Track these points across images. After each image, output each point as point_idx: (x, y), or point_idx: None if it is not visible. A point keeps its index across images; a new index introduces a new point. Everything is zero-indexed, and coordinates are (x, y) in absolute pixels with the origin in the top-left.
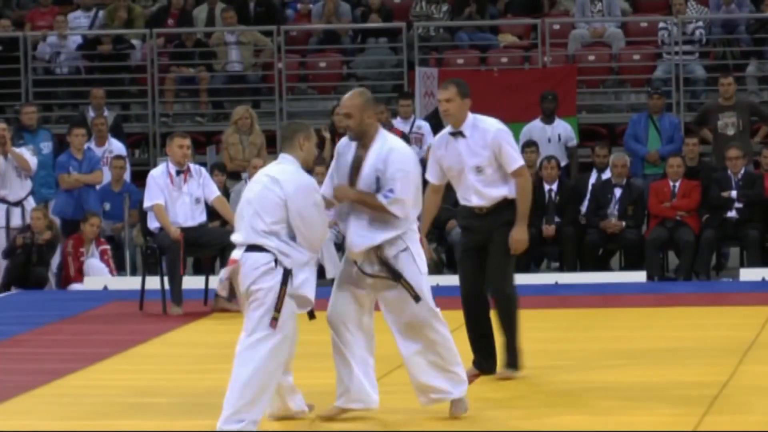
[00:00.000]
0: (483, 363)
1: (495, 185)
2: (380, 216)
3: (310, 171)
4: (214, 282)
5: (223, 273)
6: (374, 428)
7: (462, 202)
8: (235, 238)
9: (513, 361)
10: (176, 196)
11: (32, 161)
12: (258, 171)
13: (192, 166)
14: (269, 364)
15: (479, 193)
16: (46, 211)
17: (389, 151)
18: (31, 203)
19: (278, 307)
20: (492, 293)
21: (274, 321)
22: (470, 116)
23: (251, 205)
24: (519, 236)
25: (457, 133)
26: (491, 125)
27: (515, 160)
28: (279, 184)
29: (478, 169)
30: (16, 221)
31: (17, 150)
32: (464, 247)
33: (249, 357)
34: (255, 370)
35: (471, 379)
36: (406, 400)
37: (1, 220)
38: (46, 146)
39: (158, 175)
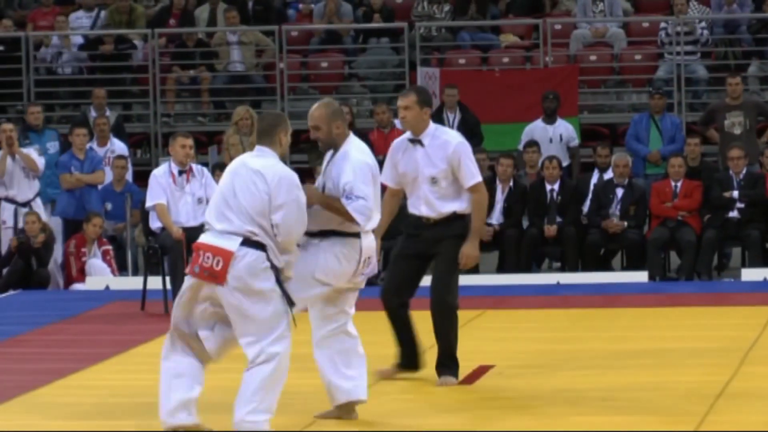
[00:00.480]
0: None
1: (447, 199)
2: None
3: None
4: None
5: (215, 263)
6: (371, 428)
7: (410, 209)
8: (221, 226)
9: (453, 369)
10: (179, 195)
11: (40, 162)
12: (235, 161)
13: (194, 166)
14: (286, 360)
15: (430, 204)
16: (38, 214)
17: (343, 159)
18: (38, 204)
19: (292, 304)
20: (434, 303)
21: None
22: (431, 126)
23: (237, 197)
24: (470, 251)
25: (416, 141)
26: (453, 137)
27: (474, 175)
28: (263, 177)
29: (433, 180)
30: (23, 222)
31: (25, 150)
32: (402, 252)
33: (273, 354)
34: (278, 365)
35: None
36: (406, 400)
37: (10, 221)
38: (53, 146)
39: (160, 174)
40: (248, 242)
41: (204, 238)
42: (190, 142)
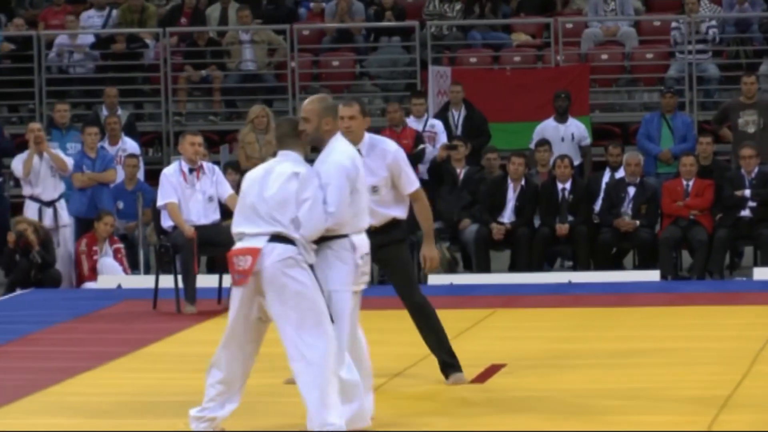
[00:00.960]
0: None
1: (388, 206)
2: None
3: None
4: (228, 280)
5: (244, 263)
6: (383, 428)
7: None
8: (251, 230)
9: (457, 365)
10: (189, 194)
11: (69, 161)
12: (259, 168)
13: (205, 164)
14: (330, 357)
15: (373, 212)
16: (27, 219)
17: (325, 159)
18: (62, 205)
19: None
20: (411, 310)
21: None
22: (366, 136)
23: (265, 200)
24: (432, 254)
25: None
26: (390, 146)
27: (413, 182)
28: (297, 176)
29: (374, 189)
30: (47, 221)
31: (54, 150)
32: None
33: (313, 354)
34: (322, 362)
35: None
36: (417, 400)
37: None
38: (73, 147)
39: (171, 173)
40: (276, 238)
41: (236, 245)
42: (199, 139)
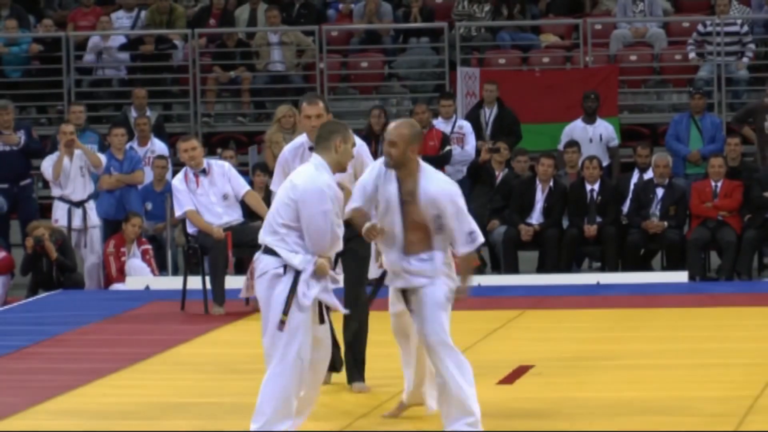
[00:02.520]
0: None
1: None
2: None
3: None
4: None
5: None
6: (407, 429)
7: None
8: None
9: (361, 373)
10: (199, 197)
11: (103, 158)
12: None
13: (214, 163)
14: (284, 377)
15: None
16: (45, 222)
17: (440, 191)
18: (91, 205)
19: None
20: (350, 304)
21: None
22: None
23: (274, 208)
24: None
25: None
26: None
27: None
28: (295, 186)
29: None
30: (77, 222)
31: (87, 146)
32: None
33: (274, 368)
34: (279, 380)
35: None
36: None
37: (63, 220)
38: (90, 147)
39: (179, 182)
40: (265, 250)
41: None
42: (191, 144)
